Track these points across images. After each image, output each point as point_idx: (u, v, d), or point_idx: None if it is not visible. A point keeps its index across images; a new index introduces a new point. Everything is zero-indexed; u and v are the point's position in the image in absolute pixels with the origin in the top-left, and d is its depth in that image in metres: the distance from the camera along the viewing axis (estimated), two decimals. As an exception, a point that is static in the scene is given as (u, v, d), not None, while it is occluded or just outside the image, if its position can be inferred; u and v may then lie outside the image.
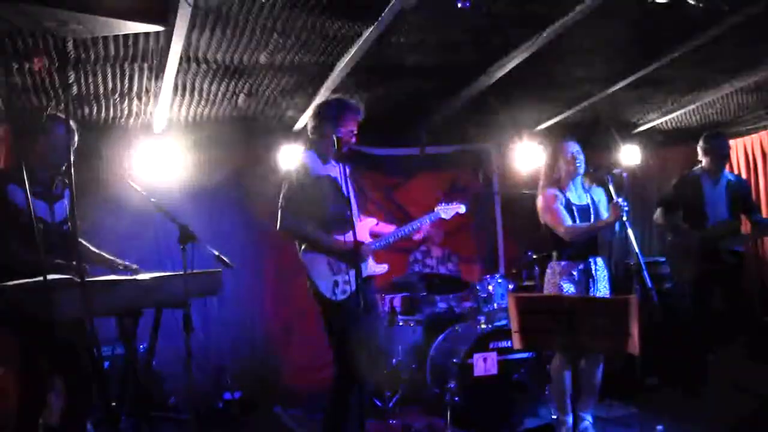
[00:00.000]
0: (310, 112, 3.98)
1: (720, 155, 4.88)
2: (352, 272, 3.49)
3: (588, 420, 3.95)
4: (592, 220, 4.00)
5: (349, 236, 3.43)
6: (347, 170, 3.56)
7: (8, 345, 3.06)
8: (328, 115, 3.63)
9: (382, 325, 4.37)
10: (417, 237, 4.00)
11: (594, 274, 3.94)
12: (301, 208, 3.54)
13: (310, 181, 3.55)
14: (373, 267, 3.76)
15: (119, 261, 3.51)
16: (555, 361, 4.01)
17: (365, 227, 3.81)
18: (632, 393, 4.67)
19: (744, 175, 6.23)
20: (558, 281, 3.95)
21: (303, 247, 3.64)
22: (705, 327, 4.72)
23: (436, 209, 4.08)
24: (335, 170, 3.60)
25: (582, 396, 3.88)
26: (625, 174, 3.98)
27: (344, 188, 3.46)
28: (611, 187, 3.90)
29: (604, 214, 4.03)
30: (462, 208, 4.15)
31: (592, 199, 4.08)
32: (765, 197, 6.13)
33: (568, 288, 3.91)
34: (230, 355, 5.50)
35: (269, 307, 5.85)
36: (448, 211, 4.08)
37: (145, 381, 3.85)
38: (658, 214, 5.15)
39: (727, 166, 5.03)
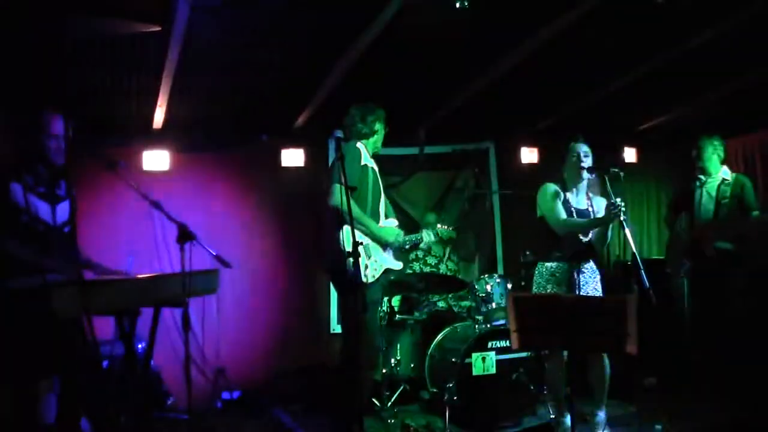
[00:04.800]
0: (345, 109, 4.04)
1: (702, 157, 4.91)
2: (381, 258, 3.86)
3: (601, 414, 3.94)
4: None
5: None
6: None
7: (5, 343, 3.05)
8: (380, 112, 3.95)
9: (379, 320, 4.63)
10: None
11: (583, 277, 3.93)
12: (351, 186, 3.73)
13: (361, 167, 3.82)
14: (393, 262, 4.00)
15: (110, 269, 3.48)
16: (549, 362, 4.01)
17: (390, 225, 4.02)
18: (631, 393, 4.67)
19: (743, 176, 6.22)
20: (544, 284, 3.95)
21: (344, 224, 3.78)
22: (701, 326, 4.72)
23: (437, 228, 4.32)
24: (375, 165, 3.92)
25: (594, 393, 3.90)
26: (623, 173, 3.97)
27: (380, 182, 3.85)
28: (609, 187, 3.89)
29: None
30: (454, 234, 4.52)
31: (591, 205, 4.07)
32: (764, 197, 6.12)
33: (554, 291, 3.90)
34: (230, 355, 5.49)
35: (268, 306, 5.85)
36: (449, 231, 4.38)
37: (144, 381, 3.86)
38: (665, 215, 5.29)
39: (725, 166, 5.02)
